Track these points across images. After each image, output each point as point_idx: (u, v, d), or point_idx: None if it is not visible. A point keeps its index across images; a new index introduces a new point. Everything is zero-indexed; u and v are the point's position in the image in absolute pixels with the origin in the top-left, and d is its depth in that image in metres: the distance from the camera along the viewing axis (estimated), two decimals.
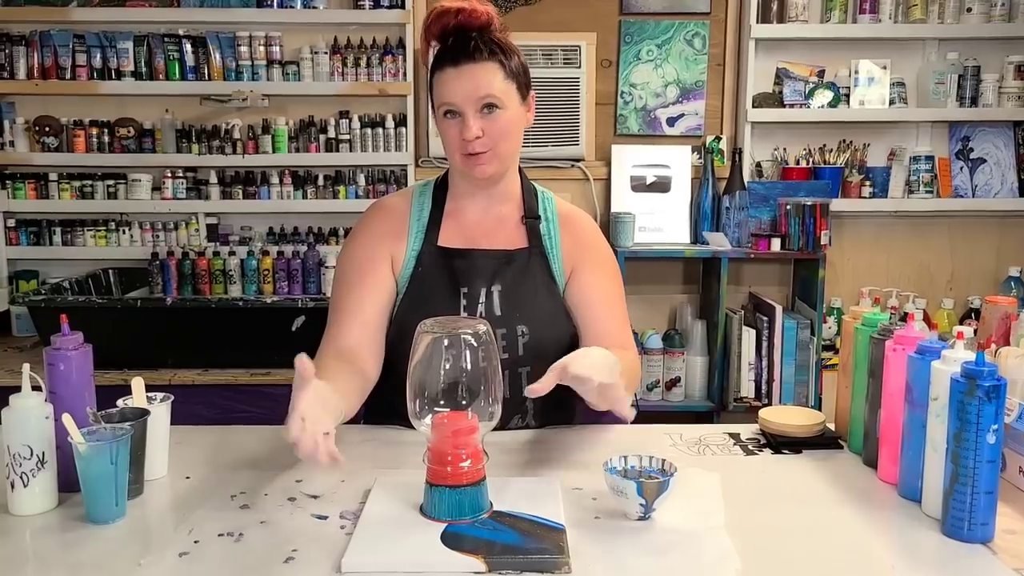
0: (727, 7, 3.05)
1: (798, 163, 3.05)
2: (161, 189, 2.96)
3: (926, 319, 3.00)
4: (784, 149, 3.08)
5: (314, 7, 2.95)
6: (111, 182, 2.96)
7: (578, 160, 3.06)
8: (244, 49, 2.91)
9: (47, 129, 2.94)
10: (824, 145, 3.05)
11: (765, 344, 2.86)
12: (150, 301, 2.52)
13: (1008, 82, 3.00)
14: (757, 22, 2.97)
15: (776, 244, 2.86)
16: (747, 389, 2.88)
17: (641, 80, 3.09)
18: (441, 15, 1.39)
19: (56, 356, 1.17)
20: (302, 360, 1.10)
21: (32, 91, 2.93)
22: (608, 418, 1.55)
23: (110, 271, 2.92)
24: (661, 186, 3.04)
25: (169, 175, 2.96)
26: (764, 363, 2.87)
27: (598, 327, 1.47)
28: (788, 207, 2.87)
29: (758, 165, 3.10)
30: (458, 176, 1.50)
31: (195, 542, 1.04)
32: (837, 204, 2.96)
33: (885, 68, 3.01)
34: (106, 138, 2.94)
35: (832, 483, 1.23)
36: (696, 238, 3.02)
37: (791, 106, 3.02)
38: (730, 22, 3.06)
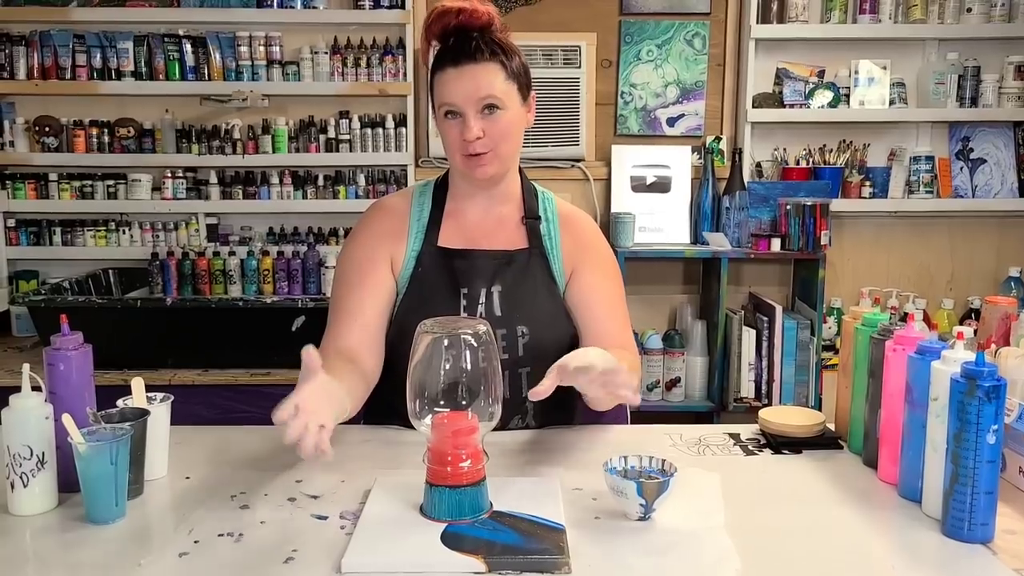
0: (727, 7, 3.05)
1: (798, 163, 3.05)
2: (161, 189, 2.96)
3: (926, 319, 3.00)
4: (784, 149, 3.08)
5: (314, 7, 2.95)
6: (111, 182, 2.96)
7: (578, 160, 3.06)
8: (244, 49, 2.91)
9: (47, 129, 2.93)
10: (824, 145, 3.05)
11: (765, 344, 2.86)
12: (150, 301, 2.52)
13: (1008, 82, 3.00)
14: (757, 22, 2.97)
15: (776, 244, 2.86)
16: (747, 389, 2.88)
17: (641, 80, 3.09)
18: (442, 15, 1.39)
19: (56, 356, 1.16)
20: (309, 352, 1.09)
21: (32, 91, 2.93)
22: (608, 418, 1.55)
23: (110, 271, 2.92)
24: (661, 186, 3.04)
25: (169, 175, 2.96)
26: (764, 363, 2.87)
27: (598, 328, 1.47)
28: (788, 207, 2.87)
29: (758, 165, 3.10)
30: (458, 176, 1.50)
31: (195, 542, 1.04)
32: (837, 204, 2.96)
33: (885, 68, 3.01)
34: (106, 138, 2.94)
35: (832, 483, 1.23)
36: (696, 238, 3.02)
37: (791, 106, 3.02)
38: (730, 22, 3.06)
